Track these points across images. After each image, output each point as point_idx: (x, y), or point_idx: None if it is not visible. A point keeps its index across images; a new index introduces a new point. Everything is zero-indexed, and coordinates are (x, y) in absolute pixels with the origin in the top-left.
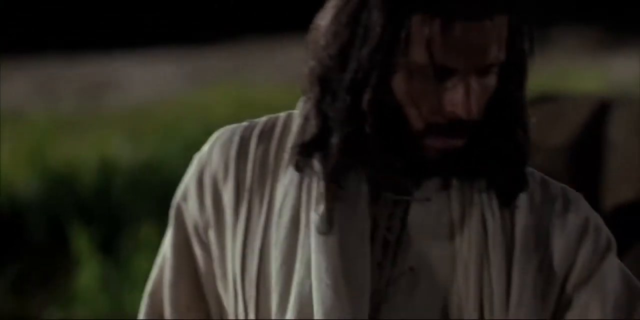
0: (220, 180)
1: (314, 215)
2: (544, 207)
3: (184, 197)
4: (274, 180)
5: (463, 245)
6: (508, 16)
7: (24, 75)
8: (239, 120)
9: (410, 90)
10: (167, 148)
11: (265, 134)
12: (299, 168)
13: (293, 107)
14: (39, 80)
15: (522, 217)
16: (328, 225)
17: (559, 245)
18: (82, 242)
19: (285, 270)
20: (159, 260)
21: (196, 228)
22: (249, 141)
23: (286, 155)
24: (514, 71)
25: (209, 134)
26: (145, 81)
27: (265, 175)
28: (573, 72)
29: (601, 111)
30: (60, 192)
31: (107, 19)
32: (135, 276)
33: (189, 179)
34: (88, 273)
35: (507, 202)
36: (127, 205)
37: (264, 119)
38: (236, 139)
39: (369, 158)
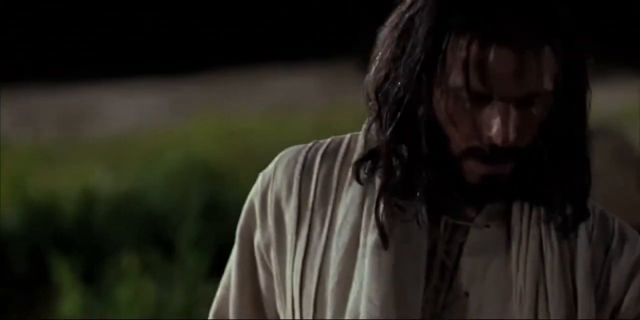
0: (283, 198)
1: (370, 235)
2: (600, 242)
3: (247, 215)
4: (336, 199)
5: (519, 274)
6: (553, 46)
7: (4, 105)
8: (220, 150)
9: (449, 111)
10: (148, 178)
11: (330, 154)
12: (359, 181)
13: (273, 136)
14: (19, 110)
15: (582, 250)
16: (384, 246)
17: (611, 283)
18: (63, 273)
19: (340, 289)
20: (224, 279)
21: (259, 247)
22: (314, 160)
23: (349, 174)
24: (569, 102)
25: (190, 164)
26: (125, 111)
27: (328, 194)
28: None
29: None
30: (42, 222)
31: (88, 49)
32: (117, 305)
33: (252, 197)
34: (70, 303)
35: (566, 234)
36: (108, 235)
37: (329, 139)
38: (300, 158)
39: (424, 178)
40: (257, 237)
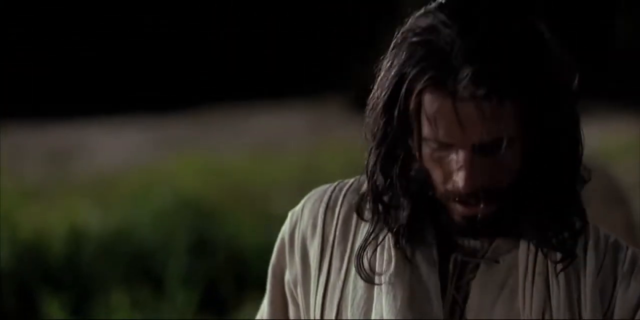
0: (309, 237)
1: (385, 275)
2: (610, 271)
3: (278, 253)
4: (355, 236)
5: (526, 307)
6: (513, 97)
7: None
8: (206, 188)
9: (426, 158)
10: (136, 215)
11: (352, 193)
12: (363, 219)
13: (260, 174)
14: (5, 146)
15: (589, 283)
16: (398, 284)
17: (616, 313)
18: (54, 309)
19: None
20: (258, 315)
21: (289, 283)
22: (337, 199)
23: (367, 212)
24: (541, 144)
25: (177, 201)
26: (111, 148)
27: (348, 231)
28: None
29: None
30: (30, 259)
31: (74, 87)
32: None
33: (282, 235)
34: None
35: (565, 262)
36: (97, 272)
37: (353, 179)
38: (325, 197)
39: (431, 217)
40: (287, 274)
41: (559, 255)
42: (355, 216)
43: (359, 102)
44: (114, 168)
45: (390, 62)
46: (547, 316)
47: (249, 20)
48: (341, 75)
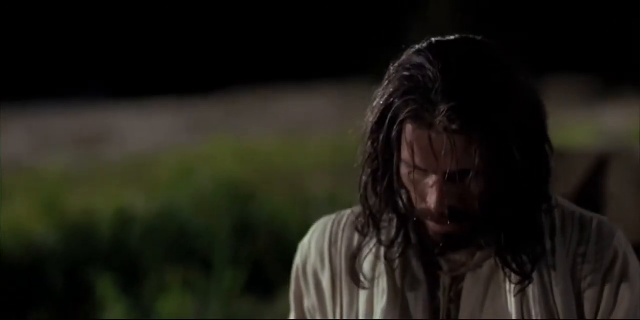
0: (319, 270)
1: (380, 302)
2: (577, 248)
3: (296, 281)
4: (359, 268)
5: (507, 305)
6: (481, 132)
7: (21, 127)
8: (241, 170)
9: (405, 180)
10: (177, 198)
11: (349, 226)
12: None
13: (290, 155)
14: (36, 132)
15: (560, 268)
16: (389, 315)
17: (588, 286)
18: (107, 288)
19: None
20: None
21: (308, 309)
22: (337, 234)
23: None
24: (506, 174)
25: (217, 183)
26: (139, 132)
27: (353, 263)
28: (564, 122)
29: (600, 166)
30: (79, 242)
31: (102, 71)
32: (158, 317)
33: (296, 265)
34: (115, 317)
35: (524, 278)
36: (144, 253)
37: (349, 210)
38: (327, 234)
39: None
40: (306, 302)
41: (516, 277)
42: (355, 245)
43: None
44: (146, 152)
45: (382, 91)
46: (524, 307)
47: (277, 4)
48: (367, 58)
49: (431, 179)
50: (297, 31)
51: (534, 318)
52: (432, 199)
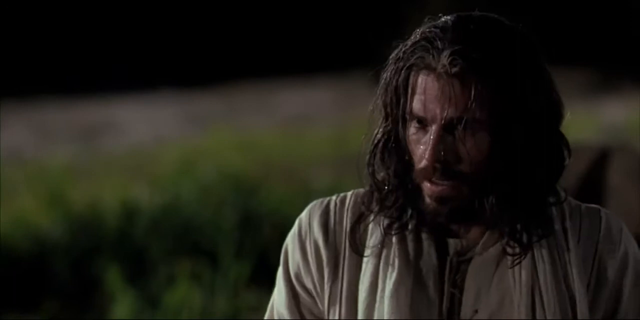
0: (322, 245)
1: (389, 280)
2: (589, 237)
3: (291, 255)
4: (363, 245)
5: (516, 286)
6: (481, 78)
7: (20, 120)
8: (245, 163)
9: (409, 139)
10: (181, 190)
11: (356, 204)
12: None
13: (291, 147)
14: (36, 125)
15: (573, 253)
16: (399, 289)
17: (602, 276)
18: (114, 279)
19: None
20: (274, 292)
21: (298, 278)
22: (342, 212)
23: (370, 225)
24: (507, 129)
25: (220, 176)
26: (139, 124)
27: (357, 242)
28: (565, 117)
29: (602, 159)
30: (85, 233)
31: (103, 63)
32: (166, 310)
33: (289, 241)
34: (123, 307)
35: (525, 249)
36: (150, 245)
37: (351, 192)
38: (332, 212)
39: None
40: (296, 271)
41: (521, 239)
42: (361, 227)
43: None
44: (147, 144)
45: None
46: (536, 290)
47: None
48: (367, 50)
49: (429, 134)
50: (296, 24)
51: (545, 306)
52: (426, 153)
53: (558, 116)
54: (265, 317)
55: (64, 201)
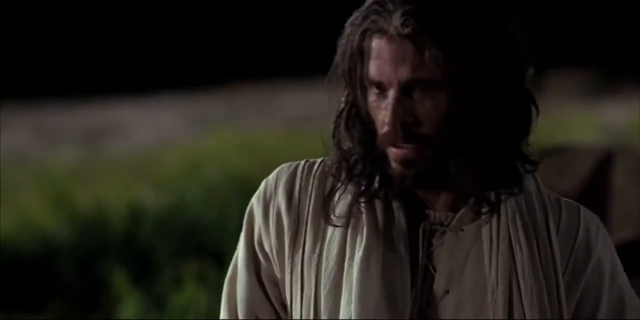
0: (284, 211)
1: (358, 247)
2: (569, 232)
3: (249, 217)
4: (329, 214)
5: (492, 273)
6: (437, 40)
7: (24, 122)
8: (249, 164)
9: (371, 107)
10: (186, 192)
11: (323, 172)
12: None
13: (294, 149)
14: (39, 127)
15: (554, 242)
16: (370, 257)
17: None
18: (121, 280)
19: (331, 296)
20: (233, 260)
21: (259, 241)
22: (309, 179)
23: (338, 192)
24: (465, 89)
25: (225, 177)
26: (143, 127)
27: (324, 201)
28: (565, 117)
29: (605, 161)
30: (90, 235)
31: (105, 65)
32: (173, 311)
33: (255, 201)
34: (130, 308)
35: (496, 202)
36: (155, 246)
37: (319, 159)
38: (298, 178)
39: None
40: (259, 235)
41: (485, 208)
42: (328, 196)
43: None
44: (150, 146)
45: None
46: (513, 279)
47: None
48: None
49: (388, 98)
50: (299, 26)
51: (522, 293)
52: (387, 118)
53: (522, 74)
54: (227, 275)
55: (70, 203)
